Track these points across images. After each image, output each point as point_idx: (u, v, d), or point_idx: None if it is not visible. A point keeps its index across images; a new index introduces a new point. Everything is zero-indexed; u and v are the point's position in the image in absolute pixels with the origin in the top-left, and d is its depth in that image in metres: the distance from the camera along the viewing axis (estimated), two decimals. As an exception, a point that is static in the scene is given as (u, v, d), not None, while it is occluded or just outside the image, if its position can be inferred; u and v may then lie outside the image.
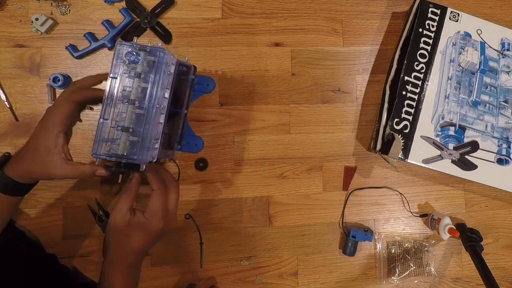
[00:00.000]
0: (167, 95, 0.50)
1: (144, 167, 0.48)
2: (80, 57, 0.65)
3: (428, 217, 0.72)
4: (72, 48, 0.64)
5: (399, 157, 0.65)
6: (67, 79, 0.64)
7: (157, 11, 0.66)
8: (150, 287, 0.65)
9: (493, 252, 0.74)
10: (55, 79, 0.63)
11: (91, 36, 0.64)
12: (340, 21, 0.72)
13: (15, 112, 0.63)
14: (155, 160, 0.50)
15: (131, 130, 0.47)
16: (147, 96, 0.47)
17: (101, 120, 0.46)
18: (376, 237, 0.71)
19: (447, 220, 0.67)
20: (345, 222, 0.71)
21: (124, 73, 0.47)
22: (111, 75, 0.47)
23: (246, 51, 0.69)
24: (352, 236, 0.67)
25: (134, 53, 0.47)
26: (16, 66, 0.64)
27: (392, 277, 0.69)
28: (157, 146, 0.50)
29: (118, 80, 0.47)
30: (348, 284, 0.70)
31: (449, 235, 0.66)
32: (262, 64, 0.70)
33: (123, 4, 0.66)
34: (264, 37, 0.70)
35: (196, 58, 0.68)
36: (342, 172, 0.71)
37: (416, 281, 0.71)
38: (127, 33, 0.66)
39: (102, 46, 0.65)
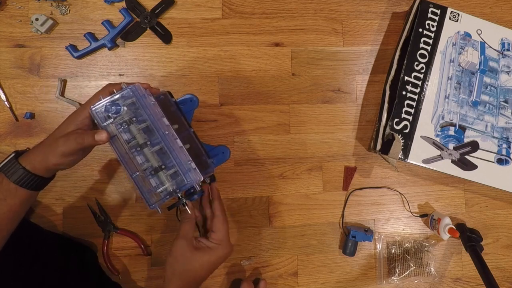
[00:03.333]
0: (166, 122, 0.51)
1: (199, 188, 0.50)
2: (80, 57, 0.65)
3: (428, 217, 0.72)
4: (72, 48, 0.64)
5: (399, 157, 0.65)
6: None
7: (157, 11, 0.66)
8: (150, 287, 0.65)
9: (493, 252, 0.74)
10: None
11: (91, 36, 0.64)
12: (340, 21, 0.72)
13: (15, 112, 0.63)
14: (202, 179, 0.50)
15: (163, 167, 0.47)
16: (154, 129, 0.47)
17: (133, 176, 0.47)
18: (376, 237, 0.71)
19: (447, 220, 0.67)
20: (345, 222, 0.71)
21: (118, 129, 0.47)
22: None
23: (246, 51, 0.69)
24: (352, 236, 0.67)
25: (111, 105, 0.47)
26: (16, 66, 0.64)
27: (392, 277, 0.69)
28: (194, 166, 0.50)
29: (118, 138, 0.47)
30: (348, 284, 0.70)
31: (449, 235, 0.66)
32: (262, 64, 0.70)
33: (123, 4, 0.66)
34: (264, 37, 0.70)
35: (196, 58, 0.68)
36: (342, 172, 0.71)
37: (416, 281, 0.71)
38: (127, 33, 0.66)
39: (102, 46, 0.65)
